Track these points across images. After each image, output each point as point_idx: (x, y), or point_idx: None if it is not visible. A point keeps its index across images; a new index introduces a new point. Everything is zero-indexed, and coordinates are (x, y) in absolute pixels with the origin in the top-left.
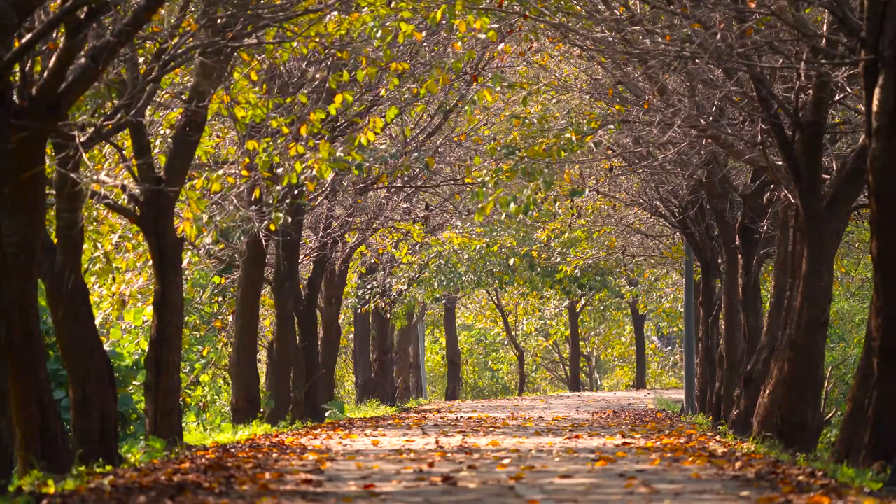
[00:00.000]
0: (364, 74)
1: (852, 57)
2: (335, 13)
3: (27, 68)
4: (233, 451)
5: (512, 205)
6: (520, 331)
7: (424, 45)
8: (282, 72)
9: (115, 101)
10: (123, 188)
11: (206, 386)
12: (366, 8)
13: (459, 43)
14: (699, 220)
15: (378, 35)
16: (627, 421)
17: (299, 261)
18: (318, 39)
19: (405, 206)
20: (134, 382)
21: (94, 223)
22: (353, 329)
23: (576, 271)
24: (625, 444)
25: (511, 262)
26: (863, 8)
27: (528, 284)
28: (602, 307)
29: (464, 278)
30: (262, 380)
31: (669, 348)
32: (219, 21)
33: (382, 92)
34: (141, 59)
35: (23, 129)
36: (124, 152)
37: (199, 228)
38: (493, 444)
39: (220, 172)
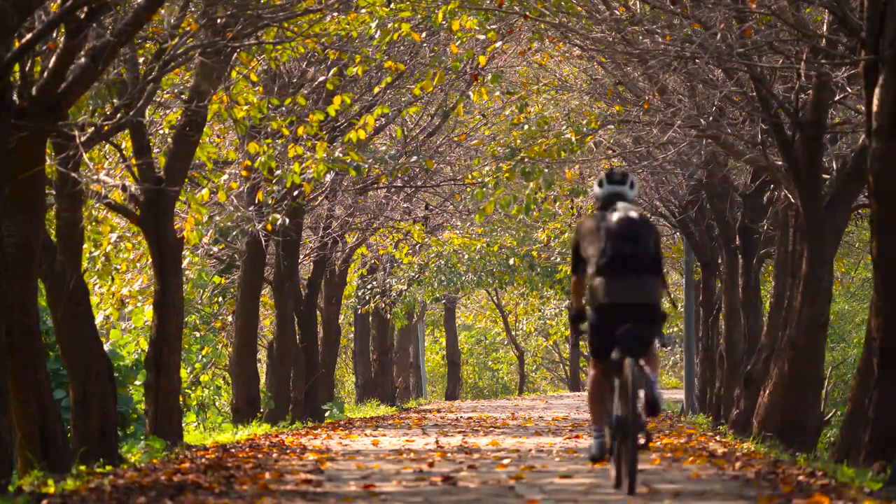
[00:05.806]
0: (353, 70)
1: (852, 57)
2: (335, 13)
3: (27, 68)
4: (233, 451)
5: (514, 206)
6: (520, 331)
7: (424, 45)
8: (281, 72)
9: (115, 101)
10: (123, 188)
11: (206, 386)
12: (364, 8)
13: (457, 44)
14: (699, 220)
15: (376, 35)
16: None
17: (299, 261)
18: (316, 39)
19: (405, 206)
20: (134, 382)
21: (94, 223)
22: (353, 329)
23: None
24: None
25: (511, 262)
26: (863, 8)
27: (528, 284)
28: None
29: (464, 278)
30: (262, 380)
31: (669, 348)
32: (219, 21)
33: (375, 88)
34: (141, 59)
35: (23, 129)
36: (124, 152)
37: (199, 234)
38: (493, 444)
39: (225, 177)
